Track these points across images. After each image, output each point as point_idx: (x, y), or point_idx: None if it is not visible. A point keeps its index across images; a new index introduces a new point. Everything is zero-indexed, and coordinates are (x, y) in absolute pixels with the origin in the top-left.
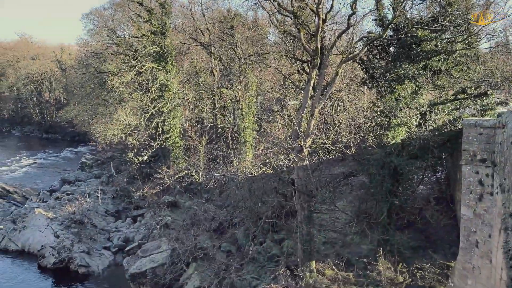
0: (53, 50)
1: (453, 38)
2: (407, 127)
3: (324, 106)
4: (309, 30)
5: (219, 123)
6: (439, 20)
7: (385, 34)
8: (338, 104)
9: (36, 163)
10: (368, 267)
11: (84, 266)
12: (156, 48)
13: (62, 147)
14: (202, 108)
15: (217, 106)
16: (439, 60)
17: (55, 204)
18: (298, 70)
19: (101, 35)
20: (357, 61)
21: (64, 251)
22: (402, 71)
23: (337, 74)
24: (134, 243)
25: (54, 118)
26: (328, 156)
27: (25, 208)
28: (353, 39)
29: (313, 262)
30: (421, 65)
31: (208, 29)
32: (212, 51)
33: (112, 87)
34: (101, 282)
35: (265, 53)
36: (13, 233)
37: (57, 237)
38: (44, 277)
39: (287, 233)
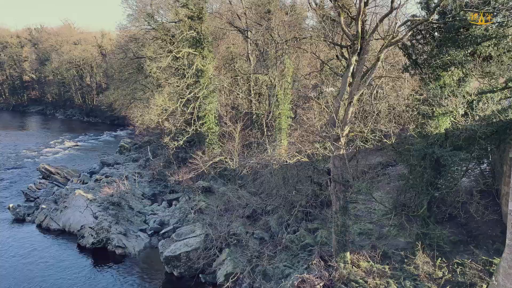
0: (94, 36)
1: (505, 22)
2: (452, 117)
3: (363, 93)
4: (349, 14)
5: (254, 109)
6: (491, 2)
7: (431, 17)
8: (377, 91)
9: (77, 145)
10: (405, 260)
11: (121, 247)
12: (193, 33)
13: (102, 131)
14: (237, 94)
15: (252, 92)
16: (489, 46)
17: (95, 186)
18: (336, 56)
19: (140, 20)
20: (400, 46)
21: (102, 232)
22: (448, 57)
23: (378, 60)
24: (169, 226)
25: (94, 102)
26: (366, 146)
27: (66, 189)
28: (396, 23)
29: (348, 253)
30: (469, 51)
31: (245, 14)
32: (249, 36)
33: (150, 72)
34: (137, 263)
35: (303, 38)
36: (55, 212)
37: (96, 218)
38: (83, 256)
39: (321, 223)
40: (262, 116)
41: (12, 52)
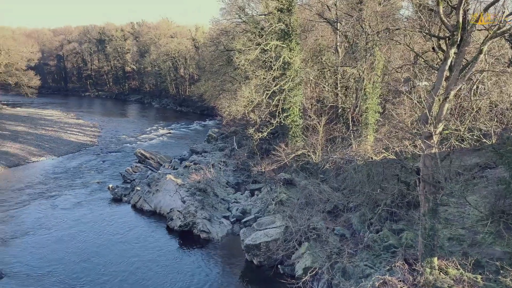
0: (189, 29)
1: None
2: None
3: (461, 89)
4: (449, 3)
5: (340, 103)
6: None
7: None
8: (478, 86)
9: (170, 133)
10: (501, 271)
11: (205, 232)
12: (282, 25)
13: (193, 120)
14: (323, 87)
15: (339, 85)
16: None
17: (184, 172)
18: (433, 48)
19: (231, 14)
20: (506, 37)
21: (189, 216)
22: None
23: (480, 52)
24: (251, 215)
25: (187, 93)
26: (461, 145)
27: (158, 173)
28: (504, 12)
29: (435, 259)
30: None
31: (335, 5)
32: (338, 28)
33: (238, 64)
34: (219, 249)
35: (396, 29)
36: (148, 195)
37: (184, 202)
38: (171, 237)
39: (407, 224)
40: (348, 110)
41: (117, 44)
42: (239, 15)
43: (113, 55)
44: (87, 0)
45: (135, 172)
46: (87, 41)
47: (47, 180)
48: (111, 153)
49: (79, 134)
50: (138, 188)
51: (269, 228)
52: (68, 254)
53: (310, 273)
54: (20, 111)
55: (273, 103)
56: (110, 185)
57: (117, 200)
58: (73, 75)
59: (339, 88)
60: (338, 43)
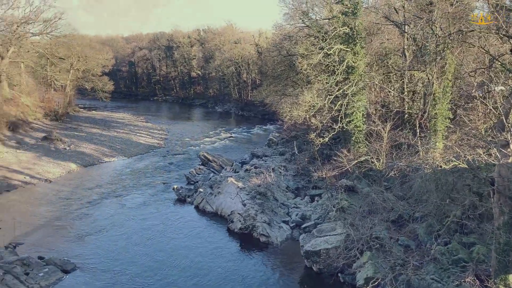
0: (252, 35)
1: None
2: None
3: None
4: None
5: (406, 108)
6: None
7: None
8: None
9: (232, 136)
10: None
11: (265, 235)
12: (346, 29)
13: (254, 124)
14: (389, 91)
15: (406, 90)
16: None
17: (245, 175)
18: (510, 50)
19: (295, 18)
20: None
21: (249, 219)
22: None
23: None
24: (311, 221)
25: (249, 97)
26: None
27: (220, 176)
28: None
29: (510, 276)
30: None
31: (403, 7)
32: (406, 31)
33: (301, 69)
34: (279, 253)
35: (470, 31)
36: (210, 197)
37: (244, 205)
38: (231, 239)
39: (479, 238)
40: (416, 115)
41: (183, 51)
42: (302, 20)
43: (180, 61)
44: (158, 7)
45: (199, 174)
46: (156, 48)
47: (117, 180)
48: (177, 155)
49: (148, 136)
50: (201, 190)
51: (330, 235)
52: (135, 252)
53: (372, 283)
54: (95, 114)
55: (336, 108)
56: (175, 186)
57: (181, 200)
58: (143, 80)
59: (405, 93)
60: (405, 46)
